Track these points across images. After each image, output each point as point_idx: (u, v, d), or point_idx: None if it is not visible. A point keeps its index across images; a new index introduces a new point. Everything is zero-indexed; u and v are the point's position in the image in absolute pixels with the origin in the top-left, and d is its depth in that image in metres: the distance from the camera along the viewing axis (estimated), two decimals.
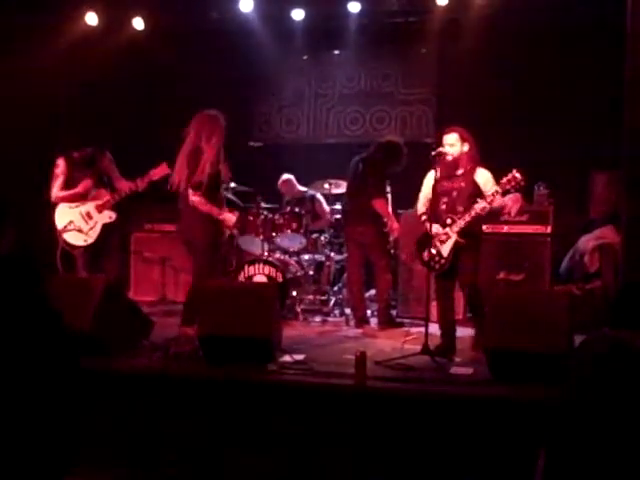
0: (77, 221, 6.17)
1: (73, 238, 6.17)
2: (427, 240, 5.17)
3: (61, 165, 6.18)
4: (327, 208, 7.41)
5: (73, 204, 6.19)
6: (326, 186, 7.19)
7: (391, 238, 6.51)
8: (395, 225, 6.38)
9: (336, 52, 8.41)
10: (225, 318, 4.82)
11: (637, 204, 4.81)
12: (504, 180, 5.01)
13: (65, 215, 6.19)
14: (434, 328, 5.31)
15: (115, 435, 4.18)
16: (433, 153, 5.25)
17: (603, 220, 6.71)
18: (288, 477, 3.99)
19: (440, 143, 5.26)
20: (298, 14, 7.79)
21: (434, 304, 5.75)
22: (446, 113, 7.85)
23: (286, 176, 7.56)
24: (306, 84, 8.56)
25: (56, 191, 6.16)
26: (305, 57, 8.50)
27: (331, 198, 7.25)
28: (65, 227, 6.17)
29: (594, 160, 6.80)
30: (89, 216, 6.20)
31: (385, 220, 6.36)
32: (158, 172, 6.15)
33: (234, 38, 8.04)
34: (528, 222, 6.62)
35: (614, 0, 5.33)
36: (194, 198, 5.63)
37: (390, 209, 6.54)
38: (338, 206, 7.20)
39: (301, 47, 8.24)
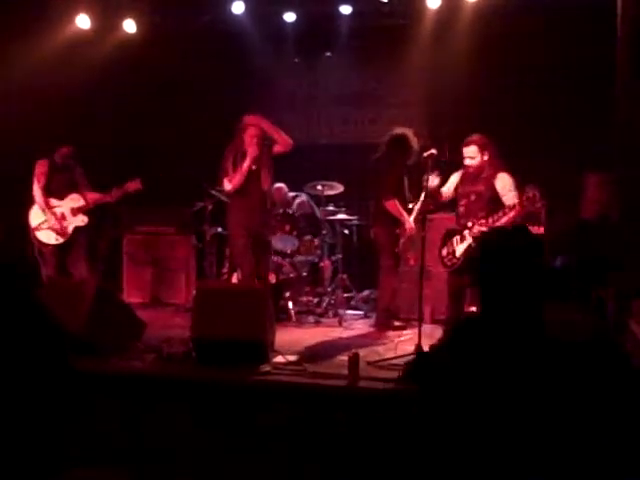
0: (51, 221, 6.44)
1: (45, 236, 6.46)
2: (447, 236, 5.48)
3: (44, 167, 6.50)
4: (290, 195, 7.51)
5: (51, 204, 6.47)
6: (319, 187, 7.19)
7: (401, 240, 6.29)
8: (409, 225, 6.18)
9: (328, 54, 8.41)
10: (218, 319, 4.82)
11: (629, 204, 4.85)
12: (524, 199, 5.01)
13: (40, 214, 6.47)
14: (427, 328, 5.31)
15: (108, 437, 4.16)
16: (425, 155, 5.29)
17: (595, 221, 6.73)
18: (281, 477, 3.98)
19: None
20: (290, 16, 7.79)
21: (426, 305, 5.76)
22: (438, 115, 7.87)
23: (278, 185, 7.43)
24: (298, 86, 8.57)
25: (39, 193, 6.46)
26: (297, 60, 8.49)
27: (324, 200, 7.24)
28: (39, 225, 6.45)
29: (586, 161, 6.82)
30: (63, 217, 6.47)
31: (400, 221, 6.20)
32: (132, 186, 6.56)
33: (226, 41, 8.04)
34: (520, 223, 6.63)
35: (606, 2, 5.36)
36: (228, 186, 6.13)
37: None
38: (331, 207, 7.21)
39: (293, 49, 8.24)
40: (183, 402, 4.35)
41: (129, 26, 7.85)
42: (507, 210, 5.12)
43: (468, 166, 5.43)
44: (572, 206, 6.99)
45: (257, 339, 4.80)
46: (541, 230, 6.57)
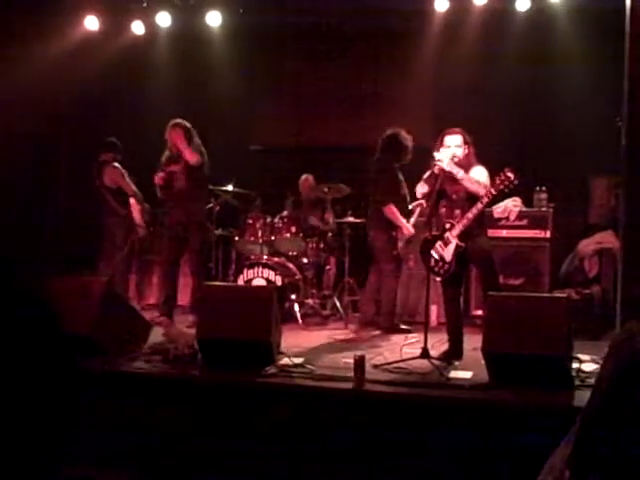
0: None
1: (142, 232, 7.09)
2: (428, 246, 5.14)
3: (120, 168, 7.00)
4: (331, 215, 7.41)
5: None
6: (325, 189, 7.18)
7: (400, 244, 6.32)
8: (406, 230, 6.19)
9: (335, 56, 8.39)
10: (224, 321, 4.81)
11: (635, 209, 4.82)
12: (497, 180, 4.87)
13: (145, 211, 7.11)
14: (433, 331, 5.29)
15: (111, 438, 4.17)
16: (433, 162, 5.18)
17: (602, 225, 6.72)
18: (284, 479, 3.98)
19: (440, 146, 5.16)
20: (295, 18, 7.79)
21: (433, 307, 5.71)
22: (445, 117, 7.85)
23: (305, 175, 7.63)
24: (306, 88, 8.56)
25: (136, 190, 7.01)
26: (304, 61, 8.48)
27: (330, 202, 7.24)
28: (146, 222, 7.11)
29: (594, 164, 6.81)
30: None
31: (398, 225, 6.23)
32: None
33: (234, 42, 8.06)
34: (527, 226, 6.62)
35: (615, 5, 5.33)
36: None
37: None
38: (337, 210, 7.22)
39: (300, 51, 8.25)
40: (188, 403, 4.35)
41: (137, 28, 7.88)
42: (483, 199, 4.91)
43: (439, 161, 5.03)
44: (580, 210, 6.99)
45: (263, 340, 4.79)
46: (547, 234, 6.57)
